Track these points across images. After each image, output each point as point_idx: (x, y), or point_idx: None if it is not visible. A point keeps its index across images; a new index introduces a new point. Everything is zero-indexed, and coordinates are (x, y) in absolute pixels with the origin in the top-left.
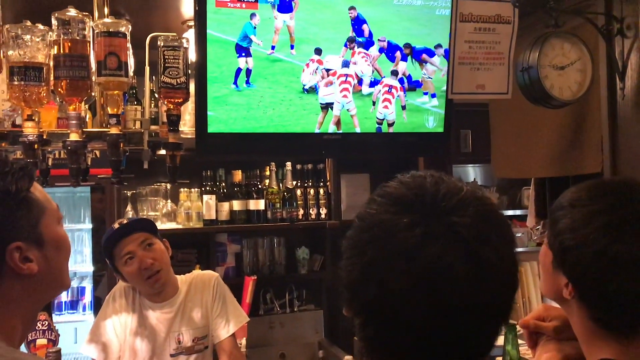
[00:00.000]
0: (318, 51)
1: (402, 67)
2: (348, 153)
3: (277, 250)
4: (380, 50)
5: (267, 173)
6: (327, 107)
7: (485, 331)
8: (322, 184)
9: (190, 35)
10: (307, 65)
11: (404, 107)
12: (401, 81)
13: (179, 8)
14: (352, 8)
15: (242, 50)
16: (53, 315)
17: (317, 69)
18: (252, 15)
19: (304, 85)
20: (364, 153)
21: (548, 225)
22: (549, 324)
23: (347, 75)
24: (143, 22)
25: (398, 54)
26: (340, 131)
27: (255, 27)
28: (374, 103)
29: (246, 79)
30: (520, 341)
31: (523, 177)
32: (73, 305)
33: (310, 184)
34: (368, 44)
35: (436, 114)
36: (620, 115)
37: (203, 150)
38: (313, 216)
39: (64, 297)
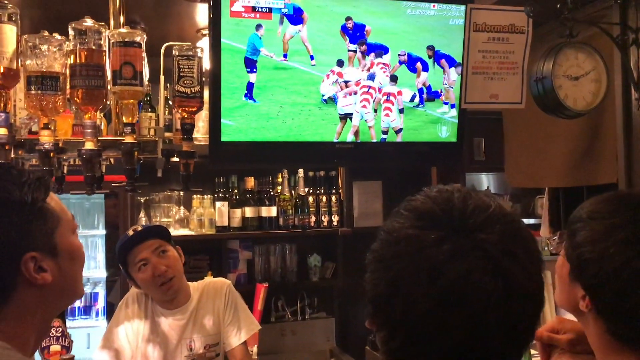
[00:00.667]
0: (340, 63)
1: (423, 77)
2: (360, 162)
3: (289, 257)
4: (400, 62)
5: (280, 180)
6: (345, 117)
7: (511, 348)
8: (334, 191)
9: (204, 43)
10: (327, 76)
11: (401, 111)
12: (420, 91)
13: (194, 17)
14: (348, 18)
15: (251, 63)
16: (67, 320)
17: (336, 81)
18: (258, 26)
19: (323, 96)
20: (376, 162)
21: (566, 236)
22: (563, 337)
23: (369, 87)
24: (158, 30)
25: (419, 64)
26: (357, 140)
27: (261, 38)
28: (375, 111)
29: (248, 92)
30: (533, 351)
31: (537, 187)
32: (86, 310)
33: (322, 191)
34: (376, 48)
35: (449, 123)
36: (635, 125)
37: (216, 158)
38: (325, 223)
39: (77, 302)
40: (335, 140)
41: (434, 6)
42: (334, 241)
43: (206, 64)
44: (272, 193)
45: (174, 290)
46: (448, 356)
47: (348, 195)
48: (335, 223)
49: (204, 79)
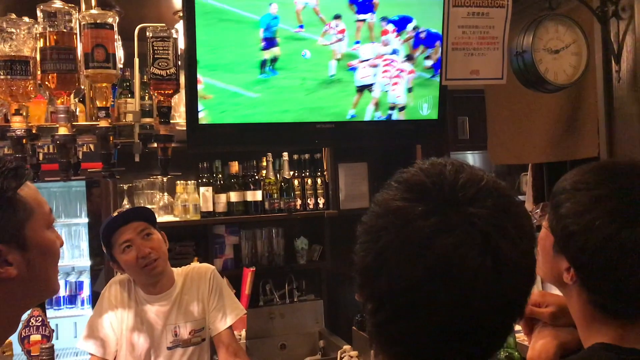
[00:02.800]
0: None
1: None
2: (342, 142)
3: (276, 241)
4: (418, 41)
5: (264, 164)
6: (363, 89)
7: (498, 324)
8: (319, 173)
9: (182, 26)
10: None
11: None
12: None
13: None
14: None
15: (268, 41)
16: (52, 310)
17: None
18: (270, 4)
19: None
20: (357, 141)
21: (549, 208)
22: (545, 310)
23: (392, 60)
24: (135, 14)
25: (438, 43)
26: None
27: (276, 17)
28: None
29: (271, 66)
30: (516, 327)
31: (520, 163)
32: (71, 299)
33: (307, 173)
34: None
35: (430, 100)
36: (616, 98)
37: (195, 142)
38: (311, 206)
39: (62, 291)
40: (350, 112)
41: None
42: (321, 224)
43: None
44: (257, 177)
45: (158, 272)
46: (435, 330)
47: (333, 178)
48: (321, 206)
49: (179, 61)
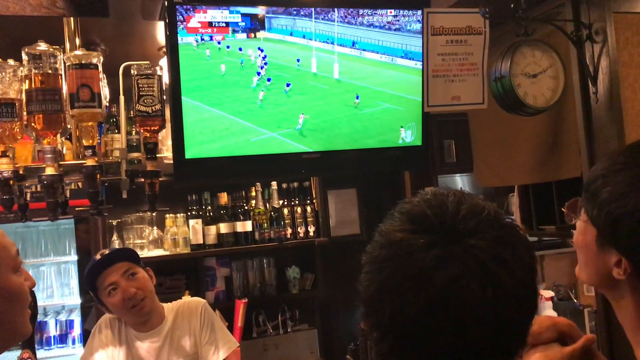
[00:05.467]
0: None
1: None
2: (327, 171)
3: (267, 271)
4: None
5: (253, 194)
6: None
7: (499, 354)
8: (308, 201)
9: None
10: None
11: None
12: None
13: (155, 35)
14: None
15: None
16: (42, 350)
17: None
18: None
19: None
20: (342, 170)
21: (584, 201)
22: None
23: None
24: (120, 50)
25: None
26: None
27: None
28: None
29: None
30: None
31: (505, 185)
32: (62, 339)
33: (297, 202)
34: None
35: (413, 127)
36: (594, 118)
37: (181, 176)
38: (302, 234)
39: (53, 331)
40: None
41: (390, 12)
42: (312, 252)
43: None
44: (246, 207)
45: (146, 312)
46: (436, 359)
47: (323, 205)
48: (311, 234)
49: (164, 97)
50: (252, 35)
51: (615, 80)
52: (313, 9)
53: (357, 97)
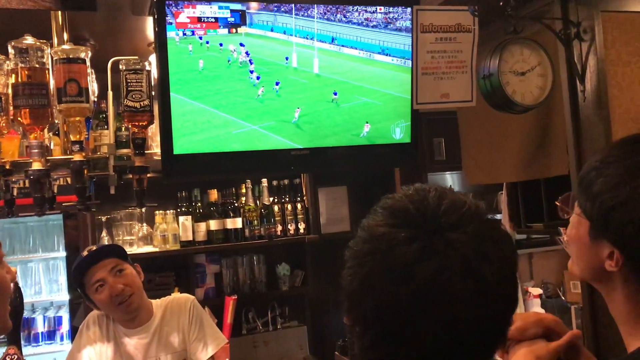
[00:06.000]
0: None
1: None
2: (317, 167)
3: (257, 268)
4: None
5: (243, 191)
6: None
7: (480, 348)
8: (299, 198)
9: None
10: None
11: None
12: None
13: (145, 31)
14: None
15: None
16: (30, 347)
17: None
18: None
19: None
20: (331, 167)
21: (579, 192)
22: (510, 329)
23: None
24: (110, 46)
25: None
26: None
27: None
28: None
29: None
30: None
31: (494, 183)
32: (50, 335)
33: (287, 199)
34: None
35: (402, 125)
36: (582, 116)
37: (170, 172)
38: (292, 231)
39: (41, 327)
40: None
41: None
42: (302, 249)
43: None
44: (236, 204)
45: (134, 308)
46: (419, 354)
47: (313, 202)
48: (302, 231)
49: (153, 92)
50: (234, 30)
51: (602, 79)
52: (293, 5)
53: (335, 93)
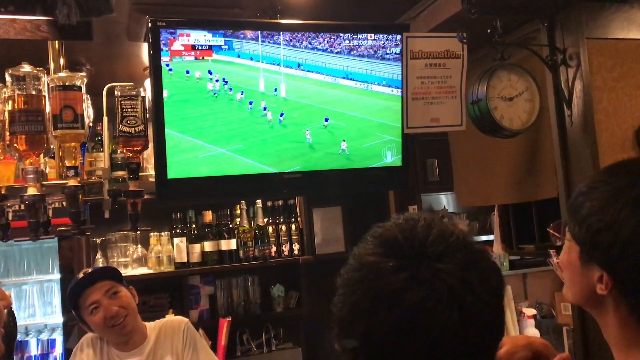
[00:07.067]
0: None
1: None
2: (309, 190)
3: (252, 289)
4: None
5: (238, 212)
6: None
7: None
8: (293, 219)
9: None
10: None
11: None
12: None
13: (141, 56)
14: None
15: None
16: None
17: None
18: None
19: None
20: (324, 190)
21: (569, 218)
22: (500, 352)
23: None
24: (106, 70)
25: None
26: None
27: None
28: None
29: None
30: None
31: (484, 205)
32: (44, 358)
33: (281, 220)
34: None
35: (394, 148)
36: (570, 141)
37: (163, 196)
38: (286, 252)
39: (34, 350)
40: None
41: (370, 36)
42: (296, 270)
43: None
44: (230, 226)
45: (128, 330)
46: None
47: (308, 223)
48: (296, 252)
49: (147, 116)
50: (201, 57)
51: (589, 104)
52: (259, 32)
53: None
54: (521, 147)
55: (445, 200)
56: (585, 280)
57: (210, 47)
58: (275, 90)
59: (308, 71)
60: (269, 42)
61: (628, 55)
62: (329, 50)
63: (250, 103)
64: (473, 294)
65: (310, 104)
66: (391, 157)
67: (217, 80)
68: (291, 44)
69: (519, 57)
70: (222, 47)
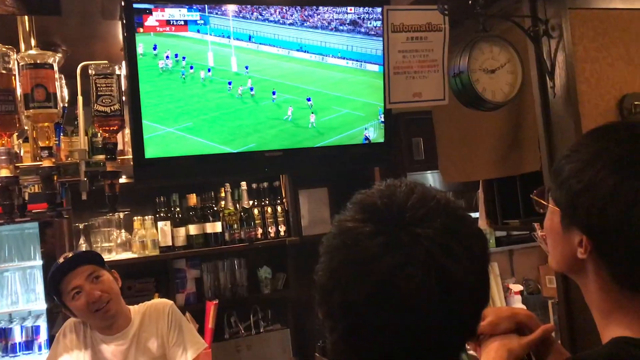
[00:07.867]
0: None
1: None
2: (291, 169)
3: (238, 272)
4: None
5: (223, 194)
6: None
7: (447, 343)
8: (279, 201)
9: None
10: None
11: None
12: None
13: (117, 36)
14: None
15: None
16: (7, 357)
17: None
18: None
19: None
20: (306, 167)
21: (552, 181)
22: (483, 322)
23: None
24: (83, 52)
25: None
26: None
27: None
28: None
29: None
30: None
31: (469, 180)
32: (28, 345)
33: (267, 202)
34: None
35: (376, 124)
36: (553, 113)
37: (141, 176)
38: (272, 234)
39: (18, 337)
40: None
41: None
42: (283, 252)
43: None
44: (215, 208)
45: (111, 315)
46: (384, 347)
47: (294, 204)
48: (282, 233)
49: (124, 97)
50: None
51: (571, 75)
52: (206, 5)
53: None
54: (504, 121)
55: (431, 179)
56: (567, 245)
57: (186, 22)
58: (247, 68)
59: (260, 44)
60: (216, 14)
61: (610, 25)
62: (280, 22)
63: (229, 83)
64: (453, 260)
65: (263, 78)
66: (374, 134)
67: (167, 57)
68: (241, 15)
69: (502, 29)
70: (198, 21)
